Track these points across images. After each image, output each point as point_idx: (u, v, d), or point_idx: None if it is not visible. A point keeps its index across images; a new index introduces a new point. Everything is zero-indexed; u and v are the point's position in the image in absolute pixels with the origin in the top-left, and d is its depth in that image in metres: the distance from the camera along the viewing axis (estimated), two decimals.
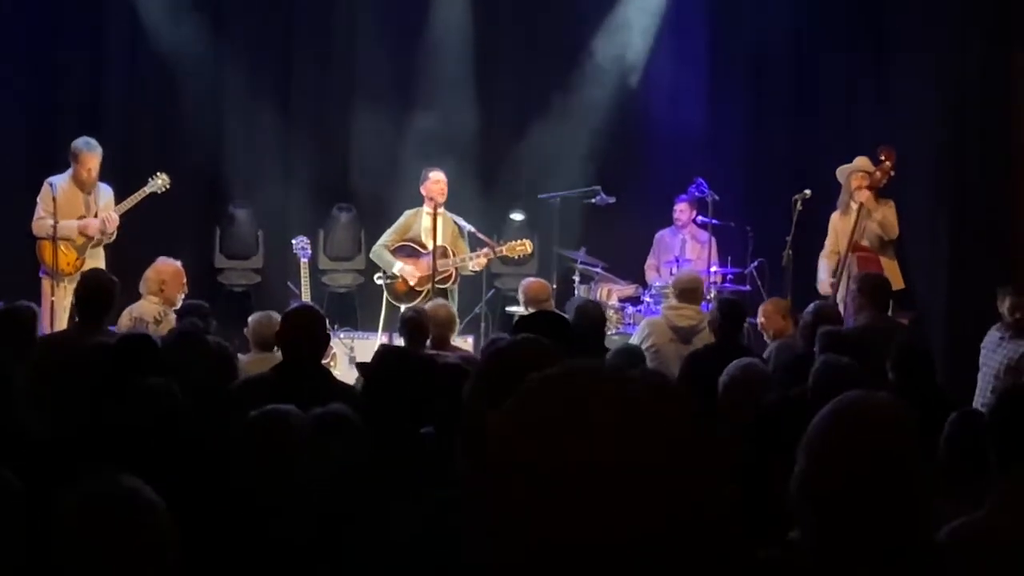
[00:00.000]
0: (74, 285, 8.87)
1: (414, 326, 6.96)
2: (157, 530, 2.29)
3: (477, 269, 9.75)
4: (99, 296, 6.34)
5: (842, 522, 2.13)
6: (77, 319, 6.43)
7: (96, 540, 2.23)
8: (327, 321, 5.60)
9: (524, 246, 9.48)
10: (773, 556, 2.18)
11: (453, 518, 2.31)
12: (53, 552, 2.27)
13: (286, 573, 3.16)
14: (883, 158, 9.18)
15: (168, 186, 9.27)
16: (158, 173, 9.28)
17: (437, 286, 9.31)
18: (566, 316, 7.33)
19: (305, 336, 5.11)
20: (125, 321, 7.56)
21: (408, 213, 9.81)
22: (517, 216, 11.35)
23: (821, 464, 2.16)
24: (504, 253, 9.55)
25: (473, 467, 2.29)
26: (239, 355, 6.48)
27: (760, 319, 7.82)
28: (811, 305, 7.29)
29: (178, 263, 8.10)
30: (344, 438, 3.51)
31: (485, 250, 9.59)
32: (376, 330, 9.84)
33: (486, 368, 2.42)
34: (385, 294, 9.83)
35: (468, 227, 9.71)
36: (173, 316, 7.65)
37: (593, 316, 6.90)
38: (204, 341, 4.97)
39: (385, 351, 4.18)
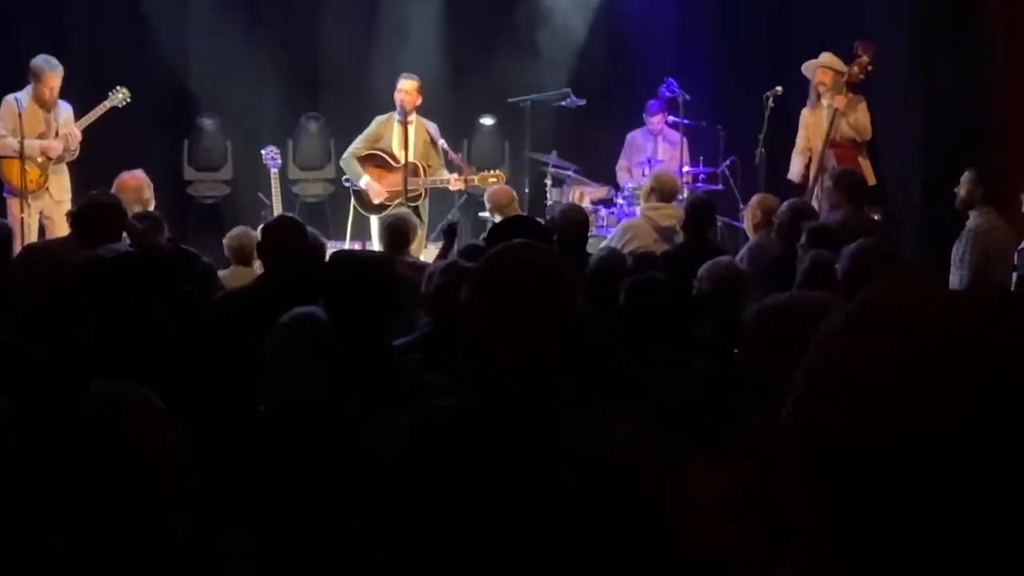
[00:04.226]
0: (39, 203, 8.83)
1: (395, 232, 6.89)
2: (164, 432, 2.31)
3: (451, 189, 9.69)
4: (98, 214, 6.11)
5: None
6: (73, 234, 6.19)
7: (111, 437, 2.25)
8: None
9: (497, 177, 9.42)
10: None
11: (430, 430, 2.27)
12: (66, 453, 2.29)
13: (279, 477, 3.17)
14: (860, 53, 9.16)
15: (128, 99, 9.15)
16: (118, 87, 9.15)
17: (408, 203, 9.24)
18: (539, 220, 7.36)
19: (286, 247, 5.10)
20: None
21: (380, 119, 9.68)
22: (487, 120, 11.29)
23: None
24: (476, 183, 9.49)
25: (479, 375, 2.25)
26: (219, 271, 6.45)
27: (746, 214, 7.81)
28: (785, 203, 7.29)
29: (140, 172, 8.01)
30: (314, 336, 3.50)
31: (457, 175, 9.51)
32: (345, 238, 9.80)
33: (486, 272, 2.34)
34: (353, 201, 9.77)
35: (442, 141, 9.61)
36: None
37: (579, 220, 6.91)
38: (195, 257, 4.92)
39: (340, 256, 4.11)
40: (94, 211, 6.05)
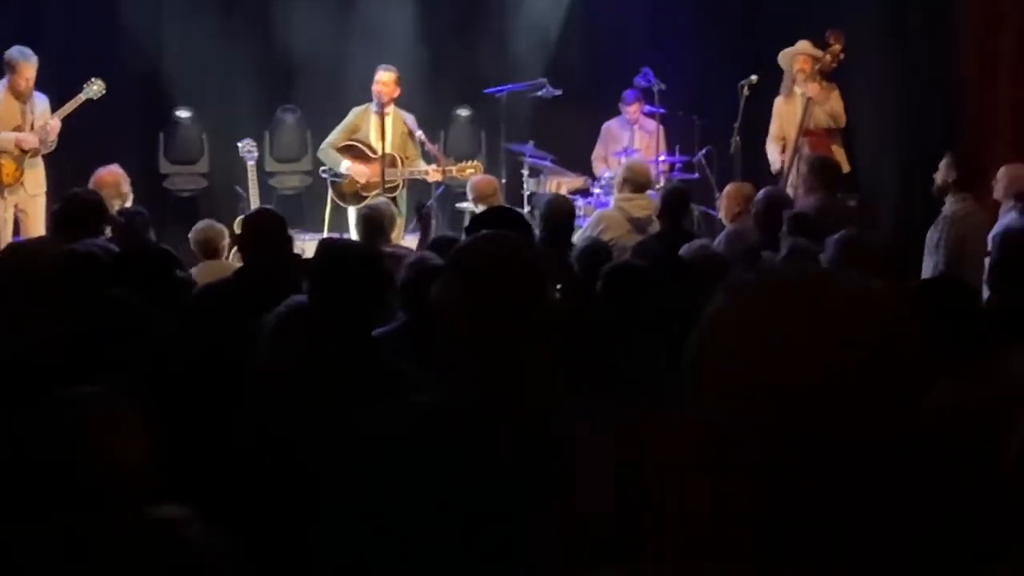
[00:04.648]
0: (15, 197, 8.80)
1: (371, 223, 6.89)
2: (128, 437, 2.31)
3: (429, 181, 9.70)
4: (79, 212, 6.12)
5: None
6: (55, 232, 6.20)
7: (69, 442, 2.26)
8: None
9: (475, 167, 9.43)
10: None
11: (412, 426, 2.29)
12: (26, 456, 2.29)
13: (252, 477, 3.18)
14: (831, 42, 9.22)
15: (104, 91, 9.11)
16: (93, 79, 9.11)
17: (386, 194, 9.24)
18: (518, 210, 7.38)
19: (265, 239, 5.11)
20: None
21: (357, 111, 9.67)
22: (463, 111, 11.30)
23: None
24: (454, 174, 9.50)
25: (455, 370, 2.28)
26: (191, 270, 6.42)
27: (722, 202, 7.85)
28: (761, 191, 7.34)
29: (116, 168, 8.00)
30: (305, 329, 3.50)
31: (434, 166, 9.52)
32: (322, 231, 9.80)
33: (458, 265, 2.38)
34: (330, 192, 9.76)
35: (419, 133, 9.61)
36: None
37: (564, 210, 6.95)
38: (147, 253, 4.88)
39: (328, 244, 4.09)
40: (75, 209, 6.04)
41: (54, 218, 6.21)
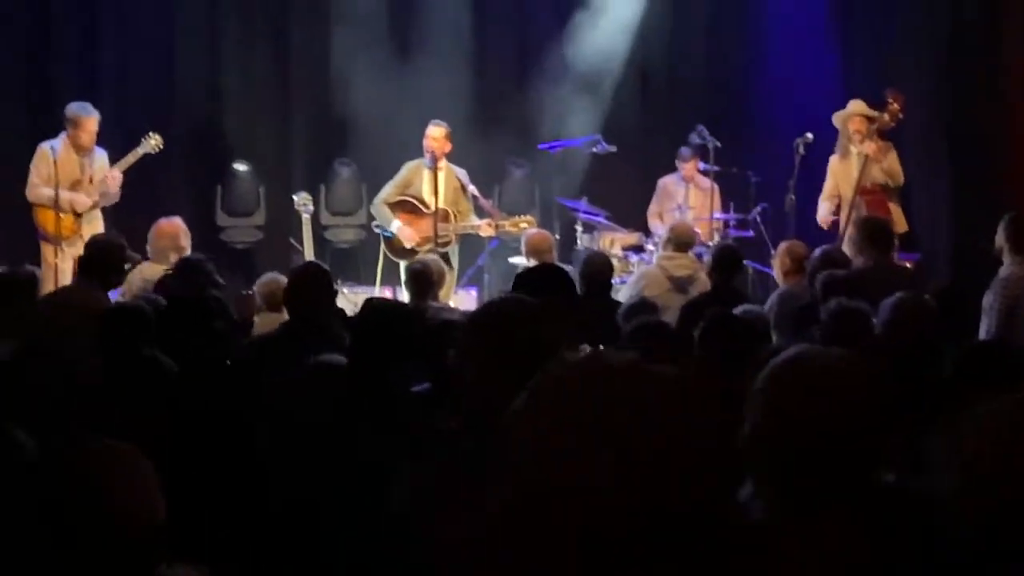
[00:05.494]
0: (73, 249, 8.92)
1: (421, 279, 6.91)
2: (144, 488, 2.30)
3: (482, 235, 9.73)
4: (101, 256, 6.35)
5: (798, 476, 2.13)
6: (77, 279, 6.46)
7: (81, 490, 2.25)
8: (332, 277, 5.62)
9: (528, 222, 9.45)
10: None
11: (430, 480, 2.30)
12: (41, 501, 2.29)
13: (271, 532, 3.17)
14: (891, 101, 9.20)
15: (161, 147, 9.24)
16: (151, 133, 9.25)
17: (438, 249, 9.27)
18: (565, 268, 7.35)
19: (310, 293, 5.14)
20: (136, 282, 7.46)
21: (409, 165, 9.72)
22: (518, 167, 11.34)
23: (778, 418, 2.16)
24: (507, 229, 9.52)
25: (468, 428, 2.33)
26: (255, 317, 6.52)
27: (775, 261, 7.81)
28: (817, 250, 7.29)
29: (177, 220, 8.06)
30: (335, 386, 3.51)
31: (487, 220, 9.55)
32: (375, 284, 9.84)
33: (472, 331, 2.44)
34: (382, 246, 9.82)
35: (471, 187, 9.65)
36: None
37: (600, 267, 6.93)
38: (203, 309, 4.92)
39: (371, 304, 4.15)
40: (98, 253, 6.31)
41: (79, 263, 6.49)
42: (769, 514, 2.13)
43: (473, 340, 2.35)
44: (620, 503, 1.20)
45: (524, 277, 4.51)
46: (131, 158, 9.15)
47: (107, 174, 9.02)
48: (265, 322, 6.72)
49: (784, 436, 2.12)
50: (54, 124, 9.22)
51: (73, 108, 9.07)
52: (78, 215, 8.97)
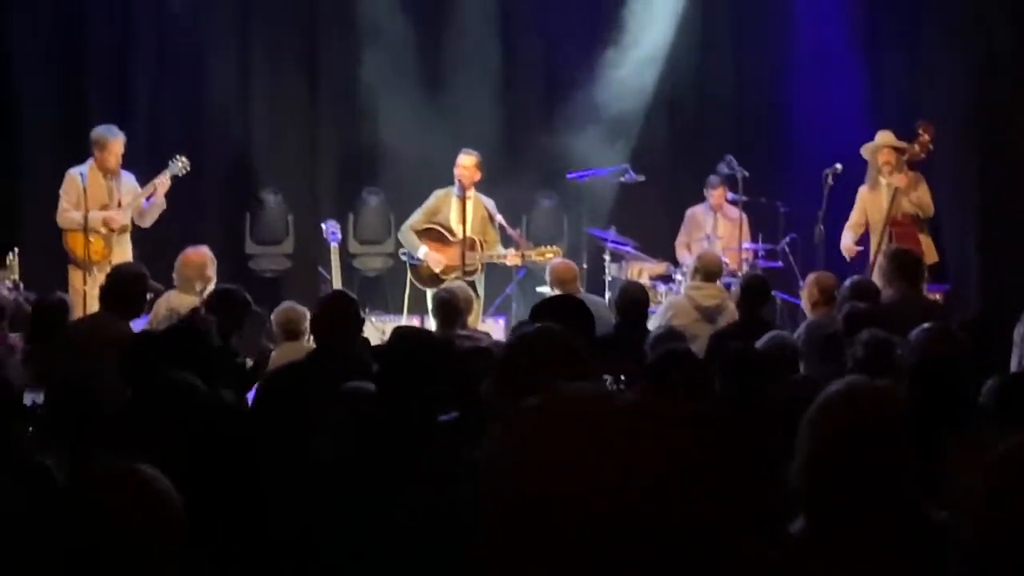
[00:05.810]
0: (103, 274, 8.94)
1: (448, 307, 6.89)
2: (168, 516, 2.29)
3: (508, 264, 9.72)
4: (122, 287, 6.38)
5: (846, 509, 2.16)
6: (102, 308, 6.50)
7: (102, 515, 2.24)
8: (359, 305, 5.60)
9: (555, 252, 9.43)
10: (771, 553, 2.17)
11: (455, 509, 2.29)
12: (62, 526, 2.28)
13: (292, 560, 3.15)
14: (921, 132, 9.15)
15: (188, 168, 9.26)
16: (178, 156, 9.29)
17: (465, 278, 9.27)
18: (589, 298, 7.34)
19: (337, 322, 5.12)
20: (162, 311, 7.45)
21: (438, 194, 9.75)
22: (546, 197, 11.33)
23: (828, 450, 2.19)
24: (533, 259, 9.51)
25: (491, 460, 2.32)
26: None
27: (804, 292, 7.76)
28: (847, 280, 7.25)
29: (204, 249, 8.00)
30: (363, 415, 3.50)
31: (513, 250, 9.55)
32: (402, 312, 9.83)
33: (504, 362, 2.45)
34: (409, 275, 9.81)
35: (499, 217, 9.66)
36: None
37: (636, 297, 6.92)
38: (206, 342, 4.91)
39: (399, 332, 4.13)
40: (119, 283, 6.37)
41: (101, 292, 6.55)
42: (808, 534, 2.15)
43: (502, 376, 2.33)
44: (581, 532, 1.29)
45: (542, 308, 4.49)
46: (161, 178, 9.17)
47: (154, 182, 9.07)
48: (284, 352, 6.66)
49: (836, 464, 2.15)
50: (84, 152, 9.27)
51: (99, 131, 9.14)
52: (109, 238, 9.00)
